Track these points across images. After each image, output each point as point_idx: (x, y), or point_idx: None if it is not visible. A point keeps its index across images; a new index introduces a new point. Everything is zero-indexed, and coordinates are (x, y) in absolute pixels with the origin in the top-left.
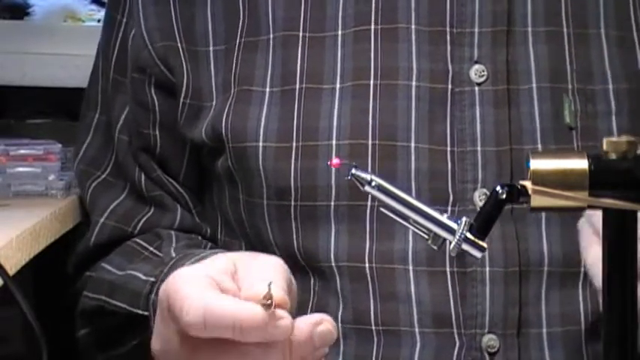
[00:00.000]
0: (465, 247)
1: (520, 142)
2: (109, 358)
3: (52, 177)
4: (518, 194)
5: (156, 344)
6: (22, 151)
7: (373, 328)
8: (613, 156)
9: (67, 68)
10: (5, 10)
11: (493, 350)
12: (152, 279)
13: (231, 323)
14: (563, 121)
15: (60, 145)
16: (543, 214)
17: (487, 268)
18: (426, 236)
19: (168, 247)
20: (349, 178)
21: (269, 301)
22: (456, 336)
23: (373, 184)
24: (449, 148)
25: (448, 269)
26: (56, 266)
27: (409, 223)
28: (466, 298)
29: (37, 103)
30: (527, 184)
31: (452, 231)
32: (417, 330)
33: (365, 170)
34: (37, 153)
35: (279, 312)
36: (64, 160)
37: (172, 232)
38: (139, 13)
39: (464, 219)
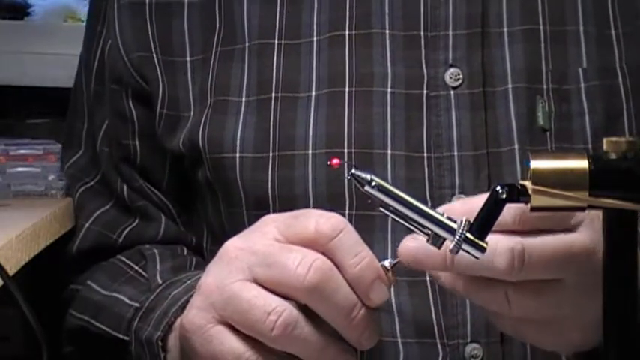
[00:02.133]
0: (465, 247)
1: (496, 145)
2: None
3: (52, 177)
4: (518, 194)
5: None
6: (22, 151)
7: None
8: (613, 156)
9: (67, 68)
10: (5, 10)
11: (477, 359)
12: (137, 304)
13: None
14: (537, 123)
15: (60, 145)
16: None
17: None
18: (425, 236)
19: (153, 269)
20: (349, 178)
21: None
22: (439, 346)
23: (373, 184)
24: (425, 155)
25: (428, 278)
26: (56, 266)
27: (409, 223)
28: (447, 308)
29: (37, 103)
30: (527, 184)
31: (452, 231)
32: (399, 340)
33: (365, 170)
34: (37, 153)
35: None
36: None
37: (155, 252)
38: (114, 24)
39: (464, 219)
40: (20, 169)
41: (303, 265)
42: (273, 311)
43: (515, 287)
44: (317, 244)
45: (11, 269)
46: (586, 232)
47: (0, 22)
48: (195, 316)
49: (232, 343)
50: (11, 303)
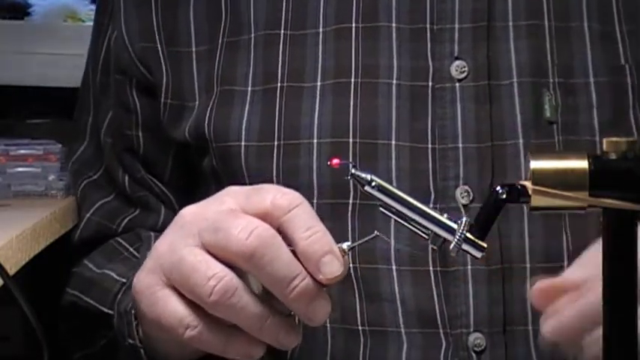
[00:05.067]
0: (465, 247)
1: (501, 138)
2: (83, 357)
3: (52, 177)
4: (518, 194)
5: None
6: (22, 151)
7: (360, 328)
8: (613, 156)
9: (67, 68)
10: (5, 10)
11: (480, 349)
12: (124, 280)
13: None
14: (544, 116)
15: (60, 145)
16: (525, 210)
17: (469, 267)
18: (425, 236)
19: (145, 250)
20: (349, 177)
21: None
22: (442, 336)
23: (373, 184)
24: (430, 146)
25: (431, 268)
26: (56, 266)
27: (409, 223)
28: (450, 298)
29: (37, 103)
30: (527, 184)
31: (452, 231)
32: (402, 330)
33: (365, 170)
34: (37, 153)
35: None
36: (64, 160)
37: (152, 235)
38: (120, 15)
39: (464, 219)
40: (20, 169)
41: (244, 230)
42: (214, 276)
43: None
44: (272, 217)
45: (11, 269)
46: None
47: (0, 22)
48: (145, 277)
49: (176, 306)
50: (11, 303)
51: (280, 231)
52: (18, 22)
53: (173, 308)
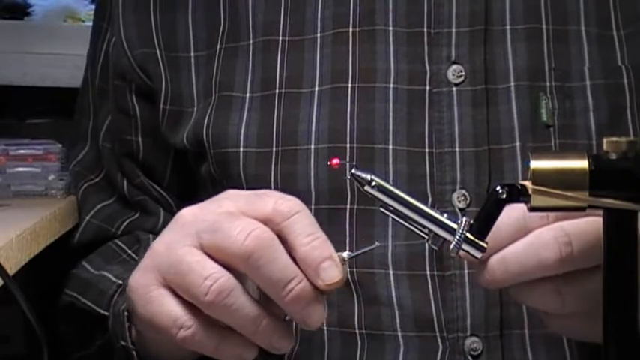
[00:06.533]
0: (465, 247)
1: (498, 142)
2: (80, 358)
3: (52, 177)
4: (518, 194)
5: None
6: (22, 151)
7: (357, 331)
8: (613, 156)
9: (67, 68)
10: (5, 10)
11: (476, 353)
12: (120, 281)
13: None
14: (541, 120)
15: (60, 145)
16: None
17: (466, 271)
18: (425, 236)
19: (143, 252)
20: (349, 178)
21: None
22: (439, 339)
23: (373, 184)
24: (427, 150)
25: (428, 272)
26: (56, 266)
27: (409, 223)
28: (447, 301)
29: (37, 103)
30: (528, 184)
31: (452, 231)
32: (399, 334)
33: (365, 170)
34: (37, 153)
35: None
36: (64, 160)
37: (150, 237)
38: (118, 20)
39: (464, 219)
40: (20, 169)
41: (242, 232)
42: (210, 277)
43: (564, 281)
44: (272, 222)
45: (11, 269)
46: None
47: (0, 22)
48: (141, 276)
49: (171, 306)
50: (11, 303)
51: (280, 237)
52: (18, 22)
53: (168, 308)
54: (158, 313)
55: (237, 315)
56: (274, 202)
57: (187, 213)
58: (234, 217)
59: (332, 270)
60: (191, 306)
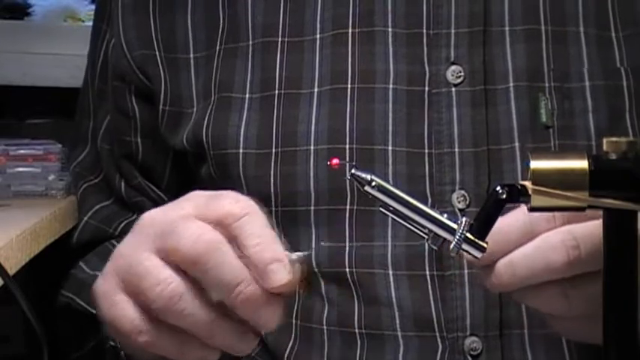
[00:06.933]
0: (465, 247)
1: (497, 142)
2: (77, 359)
3: (52, 177)
4: (518, 194)
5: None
6: (22, 151)
7: (357, 331)
8: (613, 156)
9: (67, 68)
10: (5, 10)
11: (476, 352)
12: None
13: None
14: (540, 120)
15: (60, 145)
16: None
17: (466, 271)
18: (425, 236)
19: None
20: (349, 178)
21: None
22: (439, 339)
23: (373, 184)
24: (426, 151)
25: (428, 273)
26: (56, 266)
27: (409, 223)
28: (446, 301)
29: (37, 103)
30: (528, 184)
31: (452, 231)
32: (399, 334)
33: (365, 170)
34: (37, 153)
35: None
36: (64, 160)
37: None
38: (118, 22)
39: (464, 219)
40: (20, 169)
41: (191, 236)
42: (163, 282)
43: (571, 284)
44: (224, 225)
45: (11, 269)
46: None
47: (0, 22)
48: (104, 282)
49: (130, 311)
50: (12, 303)
51: (233, 237)
52: (18, 22)
53: (127, 313)
54: (120, 318)
55: (190, 320)
56: (227, 203)
57: (147, 216)
58: (188, 220)
59: (279, 272)
60: (150, 311)
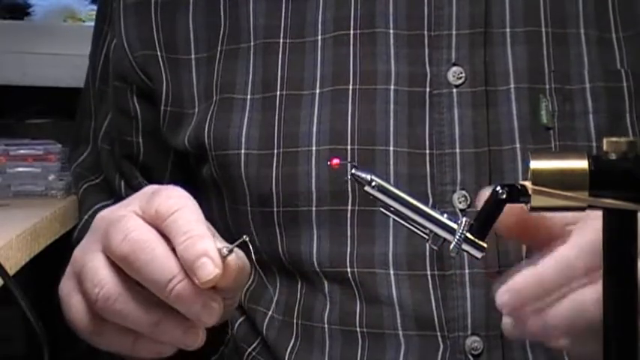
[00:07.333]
0: (465, 247)
1: (498, 143)
2: (74, 358)
3: (52, 177)
4: (518, 194)
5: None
6: (22, 151)
7: (358, 330)
8: (613, 156)
9: (67, 68)
10: (5, 10)
11: (477, 352)
12: None
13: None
14: (541, 122)
15: (60, 145)
16: None
17: (467, 271)
18: (425, 236)
19: None
20: (349, 178)
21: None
22: (440, 339)
23: (373, 184)
24: (427, 151)
25: (429, 272)
26: (56, 266)
27: (409, 223)
28: (447, 301)
29: (37, 103)
30: (527, 184)
31: (452, 231)
32: (400, 333)
33: (365, 170)
34: (37, 153)
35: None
36: (64, 160)
37: None
38: (119, 23)
39: (464, 219)
40: (20, 169)
41: (120, 234)
42: (98, 284)
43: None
44: (158, 222)
45: (11, 269)
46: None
47: (0, 22)
48: (64, 284)
49: (82, 312)
50: (12, 303)
51: (165, 232)
52: (18, 22)
53: (80, 315)
54: (75, 319)
55: (129, 319)
56: (160, 201)
57: (99, 215)
58: (126, 218)
59: (206, 267)
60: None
